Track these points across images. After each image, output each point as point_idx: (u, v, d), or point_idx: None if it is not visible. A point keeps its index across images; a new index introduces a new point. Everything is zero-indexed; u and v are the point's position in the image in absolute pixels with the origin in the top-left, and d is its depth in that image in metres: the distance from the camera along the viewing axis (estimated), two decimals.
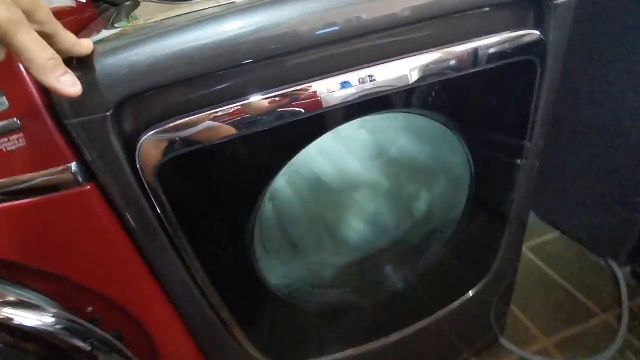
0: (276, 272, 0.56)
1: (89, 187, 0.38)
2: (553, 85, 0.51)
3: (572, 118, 0.92)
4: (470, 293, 0.73)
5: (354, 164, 0.68)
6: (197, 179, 0.41)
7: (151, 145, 0.37)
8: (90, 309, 0.44)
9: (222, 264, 0.49)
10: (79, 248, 0.40)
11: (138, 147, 0.37)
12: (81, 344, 0.44)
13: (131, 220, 0.41)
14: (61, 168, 0.36)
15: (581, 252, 1.00)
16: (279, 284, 0.55)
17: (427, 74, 0.42)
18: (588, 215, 0.98)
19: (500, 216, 0.65)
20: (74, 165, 0.37)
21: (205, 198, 0.43)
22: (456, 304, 0.73)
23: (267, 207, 0.47)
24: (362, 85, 0.40)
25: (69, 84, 0.29)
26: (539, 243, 1.04)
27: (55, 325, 0.42)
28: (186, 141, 0.37)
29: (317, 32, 0.37)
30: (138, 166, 0.38)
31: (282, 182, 0.50)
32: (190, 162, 0.39)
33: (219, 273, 0.49)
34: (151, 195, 0.39)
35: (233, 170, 0.42)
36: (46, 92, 0.34)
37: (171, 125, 0.37)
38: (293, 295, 0.58)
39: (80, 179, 0.37)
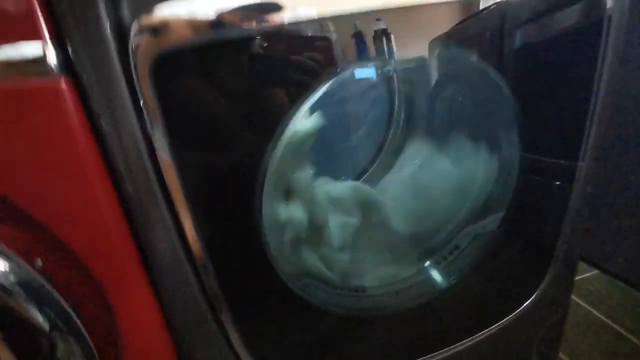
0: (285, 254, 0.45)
1: (62, 82, 0.30)
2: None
3: (612, 140, 0.85)
4: (501, 329, 0.61)
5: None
6: (204, 89, 0.33)
7: (150, 29, 0.29)
8: (39, 261, 0.32)
9: (224, 229, 0.39)
10: (35, 162, 0.30)
11: (133, 30, 0.29)
12: (39, 318, 0.31)
13: (110, 139, 0.32)
14: (31, 44, 0.28)
15: (626, 290, 0.88)
16: (287, 267, 0.44)
17: None
18: (630, 251, 0.88)
19: (541, 248, 0.56)
20: (48, 45, 0.29)
21: (212, 119, 0.34)
22: (483, 336, 0.60)
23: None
24: None
25: None
26: (577, 281, 0.91)
27: (7, 276, 0.30)
28: (197, 28, 0.30)
29: None
30: (130, 59, 0.30)
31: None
32: (198, 62, 0.31)
33: (218, 240, 0.38)
34: (142, 103, 0.31)
35: (252, 82, 0.34)
36: None
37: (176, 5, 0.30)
38: (304, 290, 0.46)
39: (52, 66, 0.29)
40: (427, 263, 0.55)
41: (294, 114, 0.36)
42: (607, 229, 0.90)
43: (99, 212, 0.32)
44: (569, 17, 0.43)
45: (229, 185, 0.37)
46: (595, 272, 0.97)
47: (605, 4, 0.42)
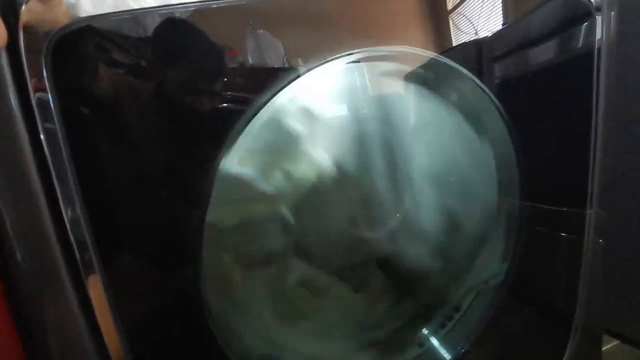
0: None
1: None
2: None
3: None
4: None
5: None
6: (117, 82, 0.26)
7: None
8: None
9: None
10: None
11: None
12: None
13: None
14: None
15: None
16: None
17: None
18: None
19: (556, 315, 0.47)
20: None
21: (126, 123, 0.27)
22: None
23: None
24: None
25: None
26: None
27: None
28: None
29: None
30: (20, 39, 0.23)
31: None
32: (115, 48, 0.25)
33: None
34: (32, 98, 0.24)
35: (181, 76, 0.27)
36: None
37: None
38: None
39: None
40: (426, 331, 0.45)
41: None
42: (625, 288, 0.80)
43: None
44: (557, 50, 0.39)
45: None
46: (613, 343, 0.83)
47: (594, 36, 0.38)
